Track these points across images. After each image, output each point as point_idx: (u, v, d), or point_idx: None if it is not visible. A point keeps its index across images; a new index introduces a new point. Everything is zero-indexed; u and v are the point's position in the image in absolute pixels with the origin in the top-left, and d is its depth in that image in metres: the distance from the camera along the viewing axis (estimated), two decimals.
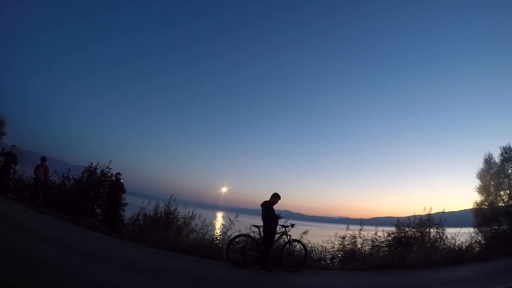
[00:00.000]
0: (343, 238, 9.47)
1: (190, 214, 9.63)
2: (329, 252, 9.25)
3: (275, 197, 7.35)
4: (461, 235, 11.29)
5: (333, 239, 9.44)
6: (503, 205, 14.35)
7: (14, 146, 11.19)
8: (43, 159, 10.80)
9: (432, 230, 10.54)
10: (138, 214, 9.67)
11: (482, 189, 15.14)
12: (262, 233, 7.14)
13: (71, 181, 11.14)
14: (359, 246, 9.49)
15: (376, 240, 9.92)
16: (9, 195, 10.36)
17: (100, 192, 10.86)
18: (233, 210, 10.56)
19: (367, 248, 9.62)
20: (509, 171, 14.72)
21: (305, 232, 8.49)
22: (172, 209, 9.63)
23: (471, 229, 13.58)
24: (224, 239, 8.47)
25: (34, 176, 10.53)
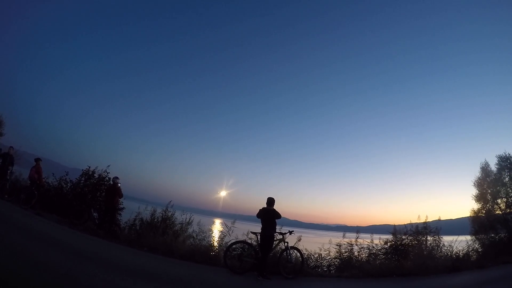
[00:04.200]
0: (340, 245, 9.45)
1: (188, 220, 9.61)
2: (326, 259, 9.22)
3: (274, 202, 7.34)
4: (458, 243, 11.28)
5: (330, 246, 9.42)
6: (500, 213, 14.42)
7: (11, 147, 11.16)
8: (36, 160, 10.79)
9: (429, 238, 10.53)
10: (135, 219, 9.64)
11: (479, 197, 15.22)
12: (260, 239, 7.13)
13: (68, 184, 11.12)
14: (356, 253, 9.47)
15: (373, 247, 9.90)
16: (6, 196, 10.32)
17: (97, 196, 10.82)
18: (231, 216, 10.52)
19: (364, 255, 9.58)
20: (506, 179, 14.82)
21: (299, 240, 8.45)
22: (170, 214, 9.60)
23: (468, 237, 13.60)
24: (221, 245, 8.44)
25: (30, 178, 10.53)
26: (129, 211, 10.28)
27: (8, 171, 10.72)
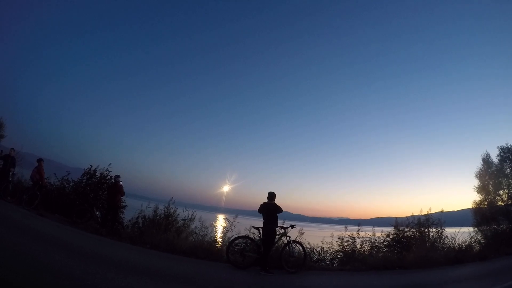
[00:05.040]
0: (342, 239, 9.47)
1: (190, 216, 9.64)
2: (328, 253, 9.25)
3: (275, 196, 7.35)
4: (461, 235, 11.27)
5: (332, 240, 9.44)
6: (502, 204, 14.39)
7: (12, 149, 11.17)
8: (38, 161, 10.82)
9: (431, 230, 10.53)
10: (138, 216, 9.67)
11: (481, 189, 15.18)
12: (262, 234, 7.15)
13: (70, 184, 11.14)
14: (358, 246, 9.49)
15: (375, 240, 9.92)
16: (9, 198, 10.36)
17: (99, 194, 10.85)
18: (234, 211, 10.53)
19: (366, 248, 9.61)
20: (508, 170, 14.77)
21: (302, 233, 8.45)
22: (172, 211, 9.63)
23: (471, 229, 13.58)
24: (224, 241, 8.47)
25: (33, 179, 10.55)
26: (131, 209, 10.32)
27: (10, 173, 10.76)
